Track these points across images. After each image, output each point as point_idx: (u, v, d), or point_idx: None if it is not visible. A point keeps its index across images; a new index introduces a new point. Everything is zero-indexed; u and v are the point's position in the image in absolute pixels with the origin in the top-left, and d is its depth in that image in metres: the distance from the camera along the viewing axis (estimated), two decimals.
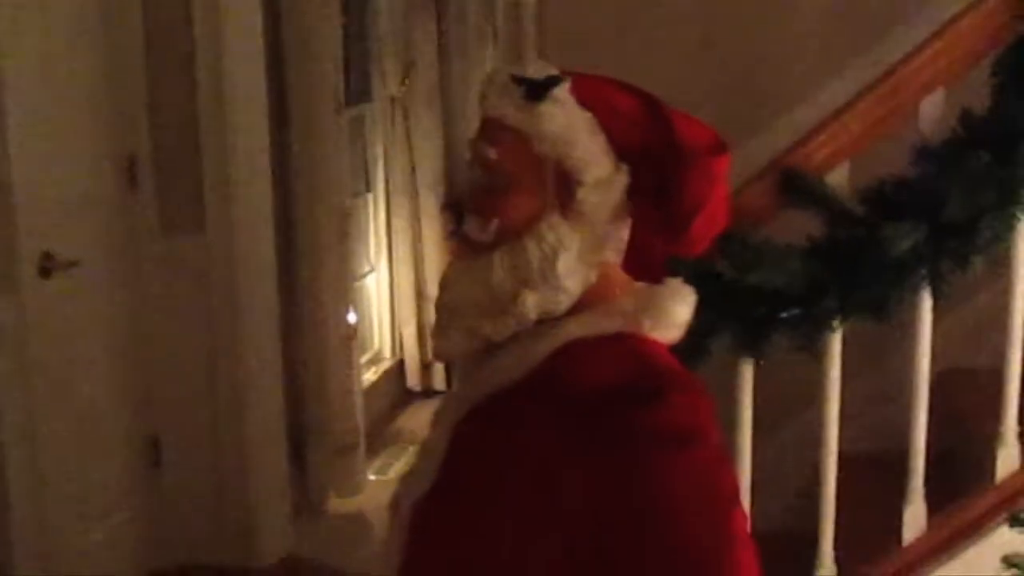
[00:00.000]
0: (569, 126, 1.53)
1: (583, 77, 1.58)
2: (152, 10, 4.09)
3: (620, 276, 1.59)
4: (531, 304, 1.52)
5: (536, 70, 1.56)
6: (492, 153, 1.56)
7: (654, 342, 1.56)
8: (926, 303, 2.78)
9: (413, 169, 6.26)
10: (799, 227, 2.71)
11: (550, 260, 1.52)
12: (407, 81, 6.14)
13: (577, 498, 1.44)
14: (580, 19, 3.70)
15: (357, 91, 5.94)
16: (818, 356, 2.75)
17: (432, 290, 6.23)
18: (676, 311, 1.57)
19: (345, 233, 4.93)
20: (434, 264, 6.32)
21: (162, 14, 4.10)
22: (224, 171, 4.18)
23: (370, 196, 6.25)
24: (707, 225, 1.58)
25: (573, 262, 1.53)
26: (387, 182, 6.32)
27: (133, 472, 4.22)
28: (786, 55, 3.60)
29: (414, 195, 6.30)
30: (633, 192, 1.55)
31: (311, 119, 4.71)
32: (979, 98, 2.76)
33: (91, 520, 3.96)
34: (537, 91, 1.53)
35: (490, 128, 1.58)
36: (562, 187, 1.54)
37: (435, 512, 1.57)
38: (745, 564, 1.48)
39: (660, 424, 1.45)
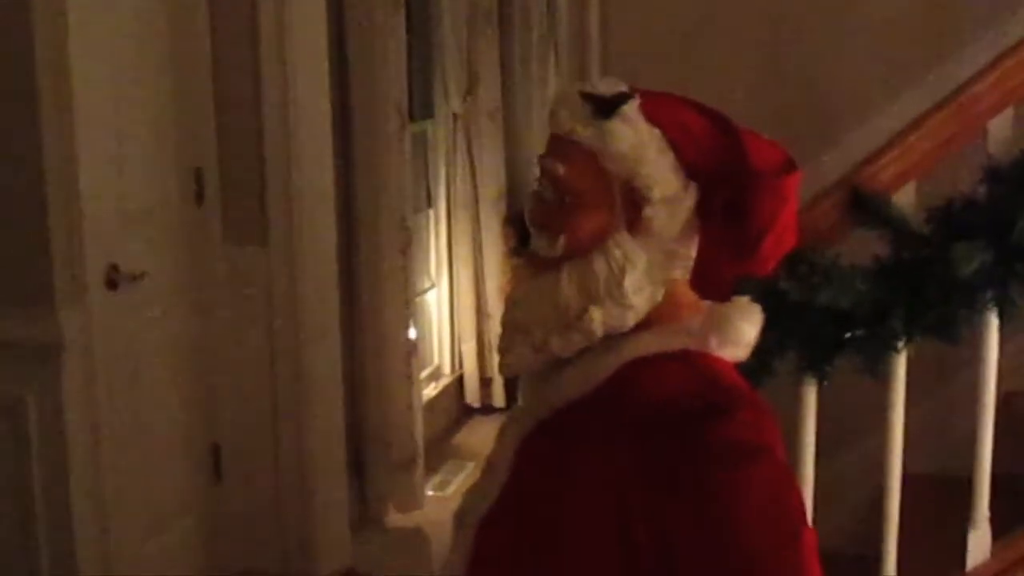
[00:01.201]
0: (638, 143, 1.52)
1: (652, 94, 1.57)
2: (219, 25, 4.14)
3: (688, 294, 1.59)
4: (598, 320, 1.52)
5: (606, 87, 1.56)
6: (561, 170, 1.55)
7: (720, 360, 1.55)
8: (993, 325, 2.74)
9: (475, 185, 6.28)
10: (866, 247, 2.69)
11: (617, 276, 1.52)
12: (470, 97, 6.17)
13: (644, 514, 1.43)
14: (644, 36, 3.69)
15: (420, 106, 5.98)
16: (883, 378, 2.72)
17: (492, 306, 6.24)
18: (743, 330, 1.56)
19: (406, 248, 4.95)
20: (495, 280, 6.33)
21: (229, 29, 4.15)
22: (288, 185, 4.22)
23: (431, 212, 6.28)
24: (776, 245, 1.57)
25: (640, 279, 1.53)
26: (449, 198, 6.35)
27: (195, 482, 4.25)
28: (853, 73, 3.58)
29: (475, 211, 6.32)
30: (702, 210, 1.54)
31: (374, 134, 4.74)
32: None
33: (152, 529, 3.99)
34: (606, 108, 1.53)
35: (559, 144, 1.57)
36: (630, 204, 1.53)
37: (500, 528, 1.57)
38: None
39: (728, 440, 1.44)
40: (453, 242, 6.39)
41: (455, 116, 6.19)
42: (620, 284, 1.52)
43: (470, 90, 6.17)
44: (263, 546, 4.42)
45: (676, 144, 1.53)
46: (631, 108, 1.53)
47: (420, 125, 6.01)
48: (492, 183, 6.32)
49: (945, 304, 2.63)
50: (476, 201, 6.31)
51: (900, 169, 2.76)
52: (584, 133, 1.54)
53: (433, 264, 6.34)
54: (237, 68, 4.17)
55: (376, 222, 4.82)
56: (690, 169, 1.54)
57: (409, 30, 5.23)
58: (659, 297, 1.54)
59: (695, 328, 1.55)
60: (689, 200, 1.54)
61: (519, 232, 6.01)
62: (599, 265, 1.53)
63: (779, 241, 1.57)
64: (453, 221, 6.36)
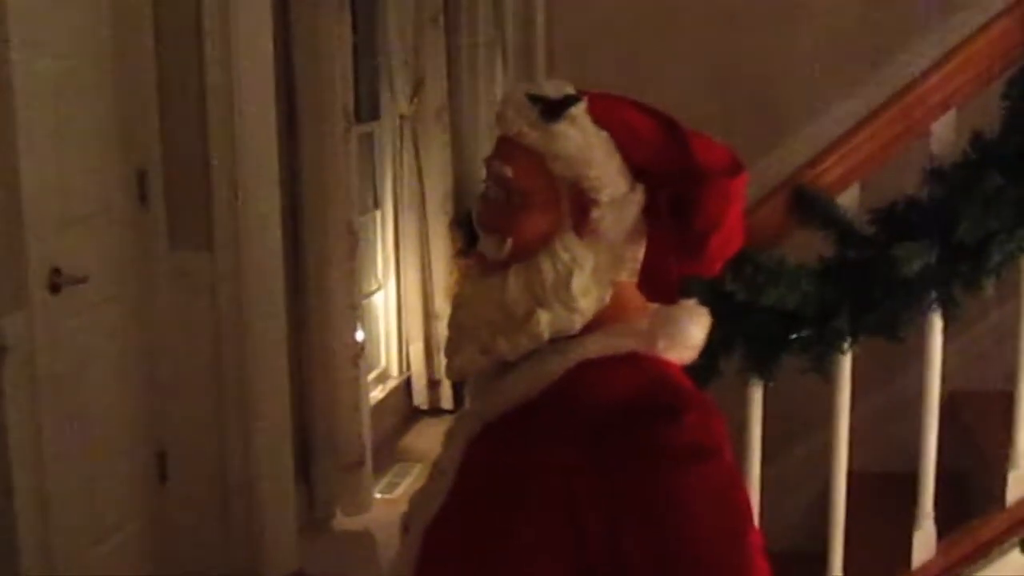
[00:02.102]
0: (585, 146, 1.52)
1: (600, 96, 1.57)
2: (163, 26, 4.10)
3: (635, 296, 1.59)
4: (545, 323, 1.52)
5: (553, 89, 1.56)
6: (508, 171, 1.55)
7: (668, 363, 1.55)
8: (937, 324, 2.77)
9: (422, 187, 6.27)
10: (811, 248, 2.71)
11: (564, 279, 1.52)
12: (416, 99, 6.16)
13: (593, 515, 1.43)
14: (590, 37, 3.70)
15: (366, 108, 5.96)
16: (829, 377, 2.74)
17: (440, 308, 6.23)
18: (691, 332, 1.57)
19: (353, 250, 4.93)
20: (442, 282, 6.33)
21: (173, 30, 4.12)
22: (233, 187, 4.19)
23: (378, 213, 6.27)
24: (723, 245, 1.58)
25: (587, 281, 1.53)
26: (396, 199, 6.34)
27: (140, 486, 4.21)
28: (798, 74, 3.60)
29: (422, 213, 6.31)
30: (649, 212, 1.55)
31: (320, 136, 4.72)
32: (990, 120, 2.75)
33: (98, 535, 3.95)
34: (553, 110, 1.53)
35: (506, 147, 1.57)
36: (577, 206, 1.54)
37: (448, 531, 1.56)
38: None
39: (675, 441, 1.45)
40: (400, 244, 6.37)
41: (402, 117, 6.18)
42: (567, 286, 1.52)
43: (416, 91, 6.16)
44: (210, 550, 4.38)
45: (623, 146, 1.53)
46: (578, 110, 1.53)
47: (367, 127, 5.99)
48: (439, 184, 6.31)
49: (889, 304, 2.65)
50: (423, 203, 6.30)
51: (844, 170, 2.78)
52: (531, 135, 1.54)
53: (380, 266, 6.32)
54: (181, 69, 4.14)
55: (323, 224, 4.80)
56: (637, 171, 1.54)
57: (355, 31, 5.22)
58: (607, 299, 1.55)
59: (643, 330, 1.55)
60: (636, 201, 1.54)
61: (467, 234, 6.01)
62: (546, 267, 1.53)
63: (726, 241, 1.57)
64: (400, 222, 6.35)
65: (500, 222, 1.57)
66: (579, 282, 1.52)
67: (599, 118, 1.54)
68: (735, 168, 1.55)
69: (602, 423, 1.46)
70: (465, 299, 1.61)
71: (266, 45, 4.30)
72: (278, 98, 4.43)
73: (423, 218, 6.32)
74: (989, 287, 2.69)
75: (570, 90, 1.56)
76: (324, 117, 4.72)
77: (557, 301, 1.52)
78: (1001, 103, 2.75)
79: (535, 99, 1.55)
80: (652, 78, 3.50)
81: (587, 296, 1.53)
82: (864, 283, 2.64)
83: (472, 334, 1.57)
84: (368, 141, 6.08)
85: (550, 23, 3.92)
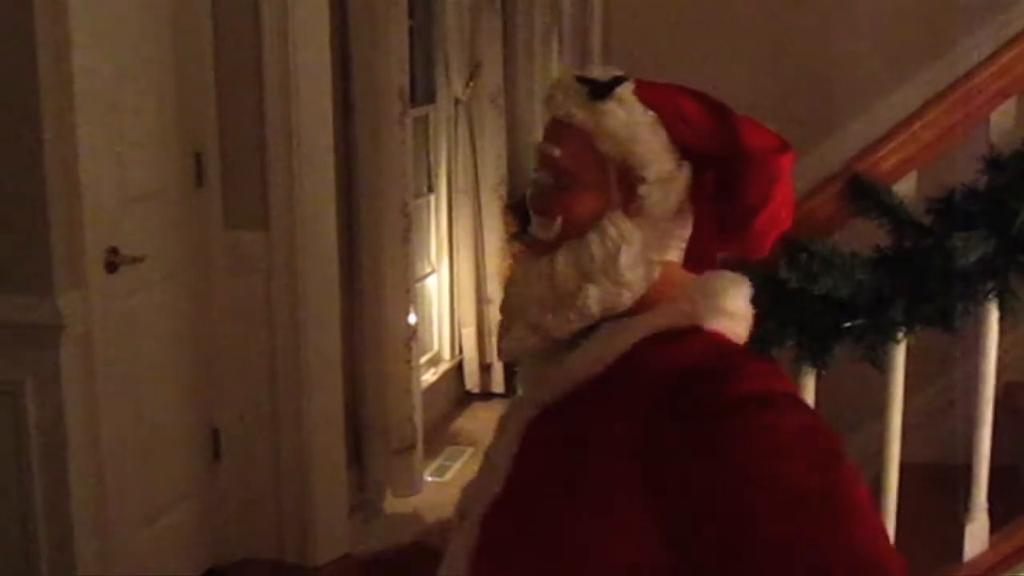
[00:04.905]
0: (631, 123, 1.55)
1: (649, 82, 1.60)
2: (221, 9, 4.13)
3: (683, 275, 1.60)
4: (593, 298, 1.54)
5: (601, 72, 1.59)
6: (556, 152, 1.58)
7: (728, 336, 1.56)
8: (993, 315, 2.74)
9: (476, 171, 6.28)
10: (867, 236, 2.69)
11: (612, 255, 1.54)
12: (472, 83, 6.16)
13: (671, 483, 1.39)
14: (647, 23, 3.68)
15: (422, 91, 5.97)
16: (882, 367, 2.72)
17: (492, 292, 6.24)
18: (728, 298, 1.57)
19: (407, 233, 4.94)
20: (495, 266, 6.33)
21: (231, 12, 4.14)
22: (289, 168, 4.22)
23: (432, 197, 6.28)
24: (769, 224, 1.59)
25: (635, 258, 1.54)
26: (450, 183, 6.34)
27: (194, 465, 4.25)
28: (857, 61, 3.58)
29: (476, 197, 6.31)
30: (695, 190, 1.56)
31: (376, 119, 4.73)
32: None
33: (151, 514, 3.99)
34: (600, 90, 1.56)
35: (555, 128, 1.60)
36: (625, 184, 1.56)
37: (508, 520, 1.54)
38: (860, 507, 1.39)
39: (742, 391, 1.42)
40: (454, 228, 6.38)
41: (457, 101, 6.18)
42: (615, 263, 1.54)
43: (472, 76, 6.16)
44: (261, 531, 4.42)
45: (670, 126, 1.55)
46: (625, 90, 1.57)
47: (422, 110, 6.00)
48: (493, 169, 6.31)
49: (945, 294, 2.62)
50: (477, 187, 6.31)
51: (901, 158, 2.75)
52: (579, 115, 1.57)
53: (433, 250, 6.34)
54: (239, 52, 4.16)
55: (377, 207, 4.81)
56: (683, 149, 1.56)
57: (411, 15, 5.23)
58: (655, 276, 1.56)
59: (692, 305, 1.55)
60: (682, 179, 1.56)
61: (520, 218, 6.00)
62: (594, 244, 1.55)
63: (772, 221, 1.58)
64: (454, 206, 6.36)
65: (550, 204, 1.59)
66: (627, 258, 1.54)
67: (647, 99, 1.56)
68: (782, 147, 1.56)
69: (668, 387, 1.45)
70: (516, 280, 1.63)
71: (323, 28, 4.32)
72: (334, 81, 4.44)
73: (477, 202, 6.32)
74: None
75: (618, 73, 1.59)
76: (380, 100, 4.72)
77: (605, 276, 1.54)
78: None
79: (583, 80, 1.58)
80: (708, 65, 3.48)
81: (634, 272, 1.54)
82: (920, 273, 2.62)
83: (522, 313, 1.59)
84: (423, 124, 6.09)
85: (606, 9, 3.91)
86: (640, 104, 1.56)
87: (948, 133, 2.78)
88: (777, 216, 1.59)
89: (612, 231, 1.55)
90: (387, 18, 4.68)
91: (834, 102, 3.58)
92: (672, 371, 1.47)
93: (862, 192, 2.70)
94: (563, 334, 1.56)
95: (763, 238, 1.61)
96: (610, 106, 1.55)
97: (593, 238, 1.55)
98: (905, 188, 2.74)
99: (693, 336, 1.53)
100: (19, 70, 3.33)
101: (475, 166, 6.27)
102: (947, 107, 2.78)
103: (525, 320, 1.59)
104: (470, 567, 1.56)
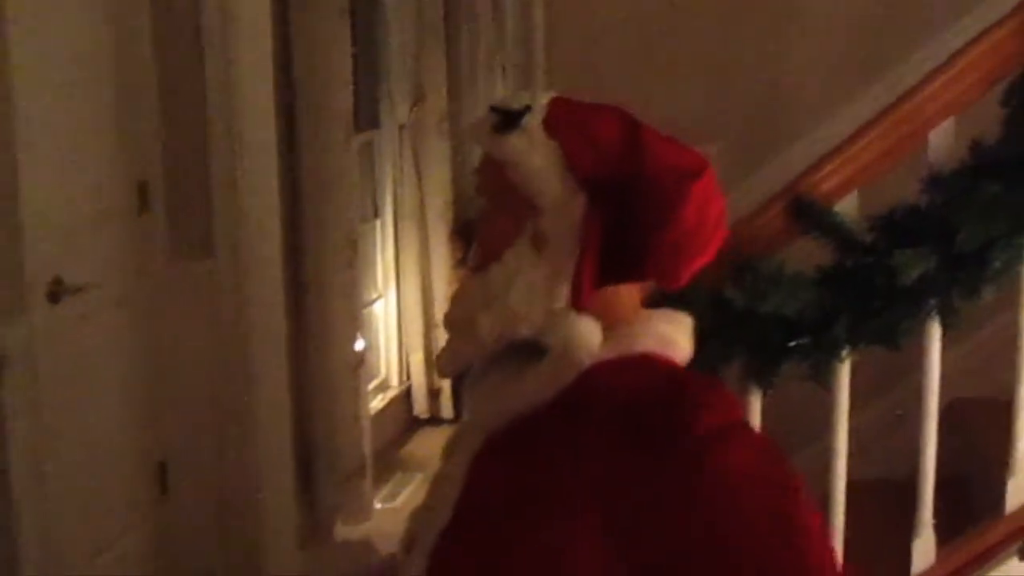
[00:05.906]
0: (527, 153, 1.55)
1: (569, 105, 1.60)
2: (164, 36, 4.10)
3: (631, 301, 1.60)
4: (484, 327, 1.55)
5: (517, 100, 1.60)
6: (478, 180, 1.64)
7: (674, 361, 1.57)
8: (936, 332, 2.77)
9: (422, 196, 6.28)
10: (810, 255, 2.71)
11: (505, 285, 1.55)
12: (416, 109, 6.16)
13: (634, 522, 1.40)
14: (590, 49, 3.71)
15: (367, 117, 5.96)
16: (827, 385, 2.74)
17: (440, 317, 6.23)
18: (673, 326, 1.60)
19: (353, 259, 4.93)
20: (442, 291, 6.32)
21: (173, 40, 4.12)
22: (233, 196, 4.19)
23: (379, 223, 6.27)
24: (674, 251, 1.55)
25: (529, 289, 1.55)
26: (396, 209, 6.33)
27: (141, 497, 4.21)
28: (798, 83, 3.61)
29: (423, 222, 6.31)
30: (590, 219, 1.54)
31: (321, 145, 4.72)
32: (989, 127, 2.76)
33: (99, 546, 3.94)
34: (505, 121, 1.58)
35: (482, 156, 1.64)
36: (529, 214, 1.57)
37: (457, 547, 1.53)
38: (811, 533, 1.44)
39: (703, 428, 1.43)
40: (400, 253, 6.37)
41: (402, 127, 6.18)
42: (507, 292, 1.55)
43: (417, 101, 6.16)
44: (210, 560, 4.38)
45: (571, 154, 1.55)
46: (531, 120, 1.57)
47: (367, 136, 5.99)
48: (439, 194, 6.31)
49: (888, 312, 2.65)
50: (423, 212, 6.30)
51: (843, 178, 2.79)
52: (489, 145, 1.60)
53: (380, 275, 6.32)
54: (181, 78, 4.14)
55: (323, 233, 4.80)
56: (583, 181, 1.54)
57: (355, 40, 5.22)
58: (558, 306, 1.54)
59: (641, 333, 1.56)
60: (577, 209, 1.54)
61: (466, 243, 6.01)
62: (495, 273, 1.57)
63: (677, 247, 1.54)
64: (400, 232, 6.35)
65: (476, 230, 1.65)
66: (519, 290, 1.55)
67: (553, 127, 1.56)
68: (697, 171, 1.54)
69: (624, 424, 1.45)
70: (452, 298, 1.66)
71: (266, 54, 4.30)
72: (278, 107, 4.43)
73: (423, 227, 6.31)
74: (988, 295, 2.70)
75: (531, 101, 1.59)
76: (324, 126, 4.72)
77: (497, 305, 1.55)
78: (999, 111, 2.76)
79: (493, 110, 1.61)
80: (652, 90, 3.50)
81: (529, 303, 1.54)
82: (863, 291, 2.64)
83: (453, 327, 1.62)
84: (368, 150, 6.07)
85: (550, 33, 3.93)
86: (543, 133, 1.56)
87: (889, 152, 2.81)
88: (687, 243, 1.54)
89: (512, 261, 1.56)
90: (330, 44, 4.68)
91: (777, 123, 3.61)
92: (628, 405, 1.47)
93: (804, 212, 2.73)
94: (460, 359, 1.61)
95: (672, 265, 1.56)
96: (511, 137, 1.56)
97: (495, 267, 1.57)
98: (847, 207, 2.77)
99: (641, 364, 1.53)
100: None
101: (420, 191, 6.27)
102: (887, 126, 2.82)
103: (450, 340, 1.62)
104: None
